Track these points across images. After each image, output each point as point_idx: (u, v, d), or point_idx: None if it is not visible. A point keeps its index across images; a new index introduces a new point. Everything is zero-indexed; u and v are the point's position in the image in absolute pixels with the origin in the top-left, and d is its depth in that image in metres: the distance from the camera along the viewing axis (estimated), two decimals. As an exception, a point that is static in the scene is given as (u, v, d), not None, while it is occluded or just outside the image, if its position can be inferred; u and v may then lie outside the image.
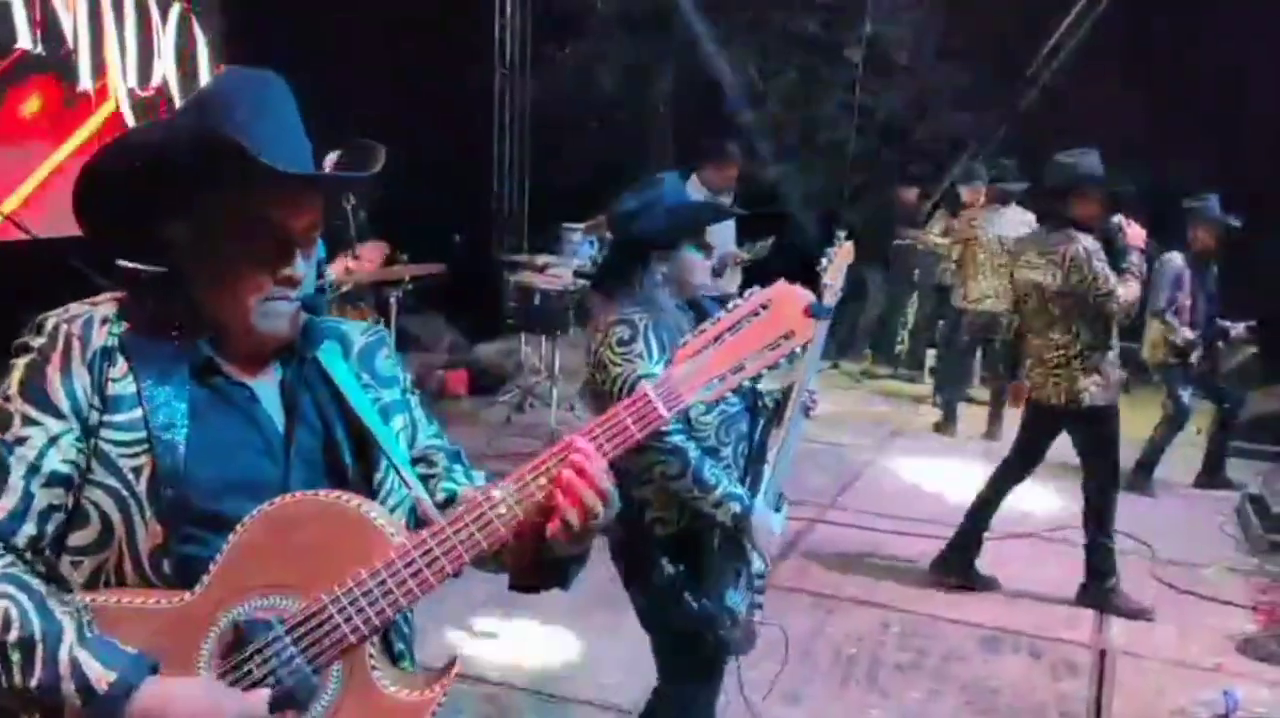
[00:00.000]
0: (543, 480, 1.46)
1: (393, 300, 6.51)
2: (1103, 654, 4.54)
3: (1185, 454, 6.94)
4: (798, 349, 1.51)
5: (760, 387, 2.83)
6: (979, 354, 8.80)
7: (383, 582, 1.42)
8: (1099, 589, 5.01)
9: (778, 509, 2.79)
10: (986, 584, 5.17)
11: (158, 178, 1.45)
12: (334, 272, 6.46)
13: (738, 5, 11.86)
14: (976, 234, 7.77)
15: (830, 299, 2.95)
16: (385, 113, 8.37)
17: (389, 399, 1.66)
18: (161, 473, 1.42)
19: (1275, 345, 8.99)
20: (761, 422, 2.82)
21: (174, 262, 1.51)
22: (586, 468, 1.45)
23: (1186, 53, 8.90)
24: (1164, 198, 6.81)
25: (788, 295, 1.51)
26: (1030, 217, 7.65)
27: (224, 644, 1.41)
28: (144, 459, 1.43)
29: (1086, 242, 4.72)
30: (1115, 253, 4.83)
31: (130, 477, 1.43)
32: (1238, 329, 6.74)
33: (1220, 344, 6.79)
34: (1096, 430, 4.92)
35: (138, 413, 1.44)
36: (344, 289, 6.26)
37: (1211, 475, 6.90)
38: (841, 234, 3.31)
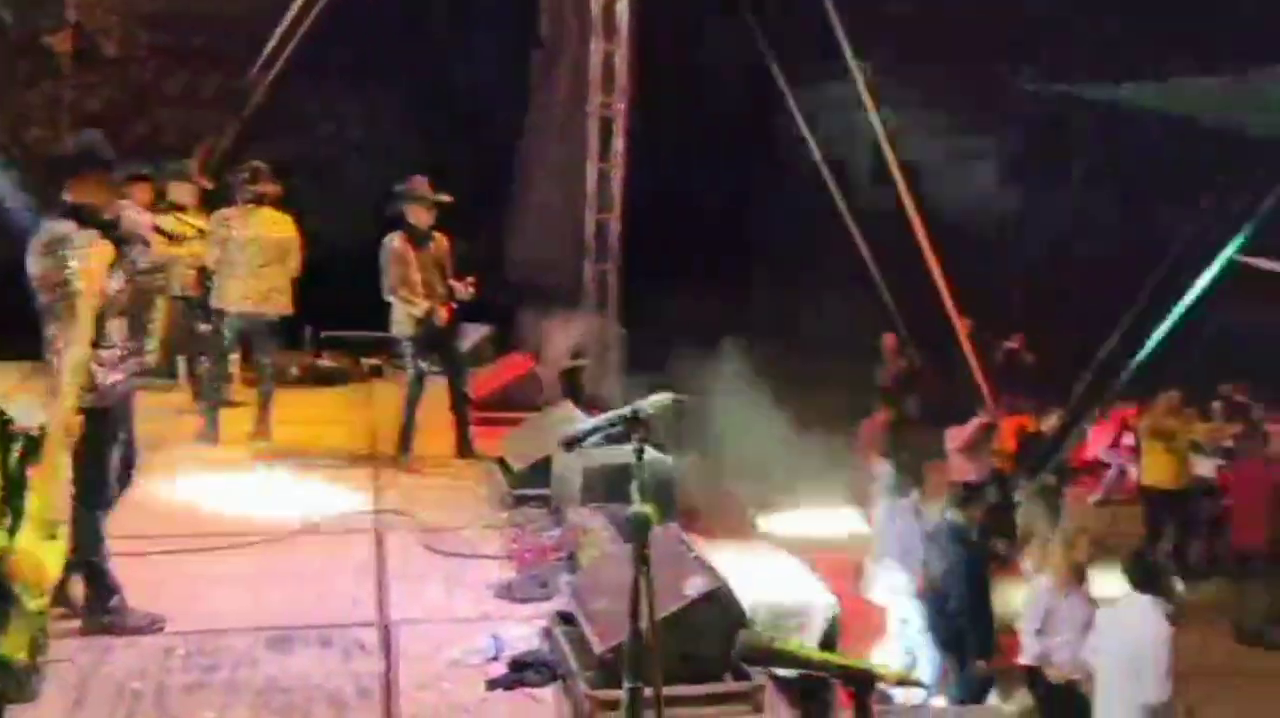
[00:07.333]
0: None
1: None
2: (387, 628, 4.80)
3: (446, 432, 7.55)
4: None
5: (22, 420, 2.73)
6: (238, 356, 8.67)
7: None
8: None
9: (53, 537, 2.70)
10: None
11: None
12: None
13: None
14: (232, 234, 7.62)
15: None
16: None
17: None
18: None
19: (505, 330, 10.27)
20: (16, 454, 2.58)
21: None
22: None
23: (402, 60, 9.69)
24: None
25: None
26: (288, 218, 7.75)
27: None
28: None
29: (64, 228, 4.22)
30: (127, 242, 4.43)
31: None
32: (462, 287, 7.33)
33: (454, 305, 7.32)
34: (86, 434, 3.92)
35: None
36: None
37: (463, 446, 7.56)
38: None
